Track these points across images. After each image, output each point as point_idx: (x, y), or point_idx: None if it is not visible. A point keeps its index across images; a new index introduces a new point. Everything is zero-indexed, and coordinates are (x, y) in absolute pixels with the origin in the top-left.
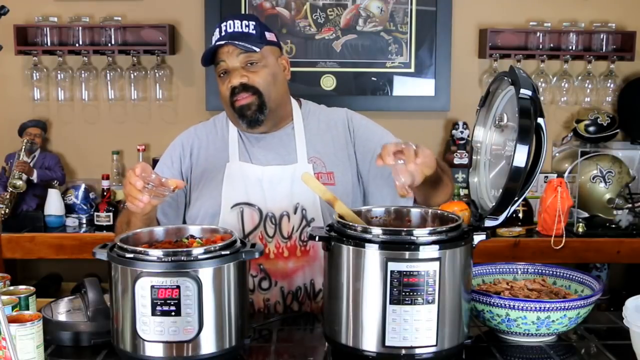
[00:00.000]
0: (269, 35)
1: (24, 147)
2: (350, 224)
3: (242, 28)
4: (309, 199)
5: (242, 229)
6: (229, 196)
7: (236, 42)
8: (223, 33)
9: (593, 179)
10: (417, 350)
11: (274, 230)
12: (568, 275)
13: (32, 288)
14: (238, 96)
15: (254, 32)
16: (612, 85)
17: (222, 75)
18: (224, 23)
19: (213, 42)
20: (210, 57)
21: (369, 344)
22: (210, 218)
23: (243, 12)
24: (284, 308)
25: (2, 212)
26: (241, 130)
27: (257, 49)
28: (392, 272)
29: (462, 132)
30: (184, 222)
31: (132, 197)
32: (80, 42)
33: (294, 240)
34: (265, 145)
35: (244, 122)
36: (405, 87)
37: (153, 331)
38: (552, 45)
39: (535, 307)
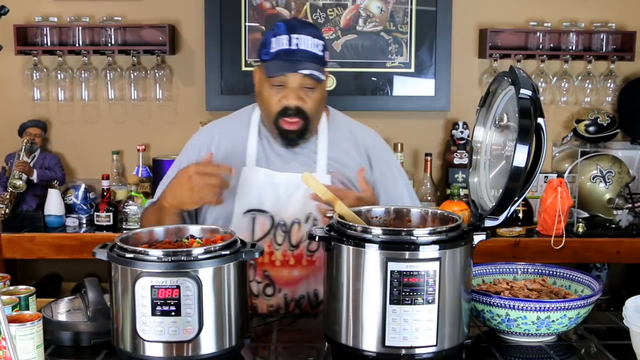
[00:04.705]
0: (327, 55)
1: (24, 147)
2: (350, 224)
3: (312, 48)
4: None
5: (252, 235)
6: (242, 202)
7: (306, 72)
8: (294, 46)
9: (593, 179)
10: (417, 350)
11: (283, 238)
12: (568, 275)
13: (32, 288)
14: (288, 118)
15: (321, 54)
16: (612, 85)
17: (275, 85)
18: (296, 35)
19: (274, 46)
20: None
21: (369, 344)
22: (222, 222)
23: (243, 12)
24: (286, 315)
25: (2, 212)
26: (273, 139)
27: (323, 78)
28: (392, 272)
29: (462, 132)
30: (197, 221)
31: (210, 188)
32: (80, 42)
33: (302, 249)
34: (287, 152)
35: (283, 141)
36: (405, 87)
37: (153, 331)
38: (552, 45)
39: (535, 307)
